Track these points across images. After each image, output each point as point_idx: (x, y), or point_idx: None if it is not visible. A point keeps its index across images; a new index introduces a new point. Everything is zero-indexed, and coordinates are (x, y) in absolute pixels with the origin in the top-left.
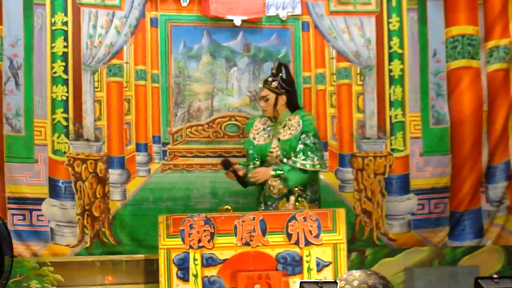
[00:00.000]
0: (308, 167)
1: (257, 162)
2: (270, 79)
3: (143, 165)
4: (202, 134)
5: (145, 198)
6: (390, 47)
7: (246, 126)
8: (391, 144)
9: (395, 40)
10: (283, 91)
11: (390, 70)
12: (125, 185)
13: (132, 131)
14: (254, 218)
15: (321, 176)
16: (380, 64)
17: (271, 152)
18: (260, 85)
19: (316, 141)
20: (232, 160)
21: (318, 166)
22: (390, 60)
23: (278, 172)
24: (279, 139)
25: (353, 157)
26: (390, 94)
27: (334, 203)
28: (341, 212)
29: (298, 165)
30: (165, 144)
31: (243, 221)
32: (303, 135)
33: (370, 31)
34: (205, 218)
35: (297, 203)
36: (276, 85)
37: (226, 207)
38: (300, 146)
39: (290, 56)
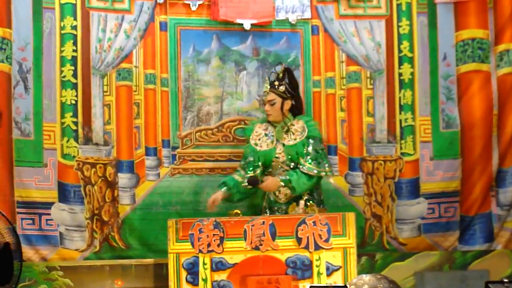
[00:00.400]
0: (315, 172)
1: (258, 170)
2: (276, 83)
3: (153, 169)
4: (211, 138)
5: (155, 202)
6: (400, 51)
7: (245, 131)
8: (401, 148)
9: (405, 43)
10: (289, 95)
11: (400, 74)
12: (134, 189)
13: (141, 135)
14: (263, 222)
15: (331, 180)
16: (390, 67)
17: (277, 157)
18: (266, 89)
19: (323, 147)
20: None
21: (330, 173)
22: (400, 63)
23: (286, 181)
24: (283, 144)
25: (363, 161)
26: (400, 98)
27: (344, 207)
28: (351, 216)
29: (305, 169)
30: (174, 148)
31: (253, 225)
32: (310, 140)
33: (380, 35)
34: (214, 222)
35: (306, 207)
36: (283, 89)
37: (235, 211)
38: (309, 150)
39: (299, 60)
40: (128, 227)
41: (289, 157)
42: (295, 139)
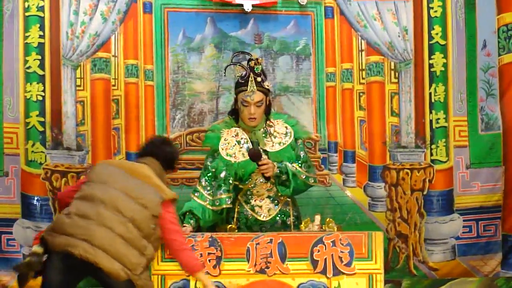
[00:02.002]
0: (311, 181)
1: (231, 186)
2: (259, 78)
3: None
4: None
5: None
6: (430, 38)
7: (208, 141)
8: (431, 154)
9: (437, 29)
10: (269, 93)
11: (431, 65)
12: None
13: (121, 138)
14: (271, 240)
15: (348, 192)
16: (418, 58)
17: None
18: (252, 88)
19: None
20: None
21: (316, 181)
22: (431, 53)
23: (283, 169)
24: (266, 152)
25: (386, 170)
26: (430, 94)
27: (363, 225)
28: (378, 236)
29: (303, 176)
30: None
31: (258, 244)
32: (299, 142)
33: (406, 18)
34: (210, 239)
35: (323, 223)
36: (268, 85)
37: (229, 226)
38: (299, 154)
39: (310, 48)
40: None
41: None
42: (280, 143)
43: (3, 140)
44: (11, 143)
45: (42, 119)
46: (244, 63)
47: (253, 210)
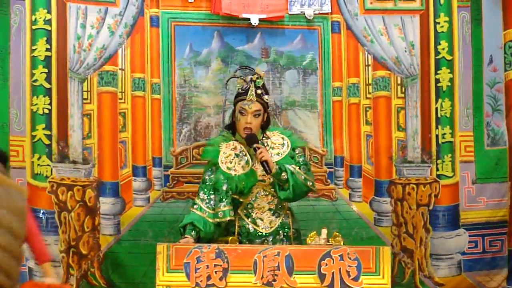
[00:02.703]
0: (309, 184)
1: (228, 200)
2: (259, 91)
3: (141, 192)
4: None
5: (143, 232)
6: (437, 53)
7: (207, 154)
8: (437, 169)
9: (443, 44)
10: (268, 107)
11: (437, 80)
12: (119, 217)
13: (128, 151)
14: (278, 253)
15: (353, 207)
16: (425, 72)
17: (261, 180)
18: (251, 97)
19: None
20: None
21: (313, 185)
22: (437, 68)
23: (283, 168)
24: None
25: (392, 185)
26: (436, 109)
27: (369, 240)
28: (386, 251)
29: (302, 177)
30: (167, 167)
31: (265, 256)
32: (297, 151)
33: (413, 33)
34: (216, 250)
35: (330, 237)
36: (267, 98)
37: (231, 238)
38: (299, 161)
39: (317, 62)
40: (111, 262)
41: None
42: (278, 154)
43: (9, 153)
44: (17, 156)
45: (48, 132)
46: (248, 78)
47: (254, 223)
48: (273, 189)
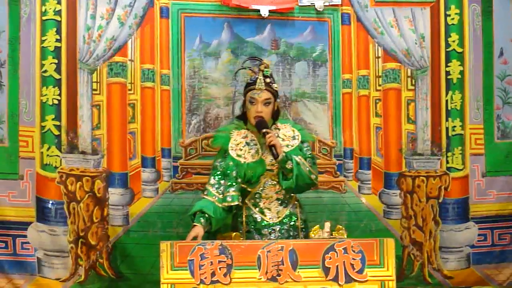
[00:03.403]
0: (313, 177)
1: (238, 186)
2: (268, 79)
3: (150, 183)
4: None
5: (152, 223)
6: (447, 45)
7: (217, 141)
8: (447, 162)
9: (454, 36)
10: (277, 96)
11: (448, 73)
12: (127, 208)
13: (137, 142)
14: (282, 247)
15: (363, 199)
16: (435, 65)
17: (269, 170)
18: (260, 86)
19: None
20: None
21: (316, 179)
22: (448, 60)
23: (289, 157)
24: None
25: (401, 177)
26: (447, 101)
27: (378, 232)
28: (390, 243)
29: (307, 168)
30: (176, 158)
31: (269, 251)
32: (305, 144)
33: (423, 26)
34: (220, 247)
35: (333, 230)
36: (276, 87)
37: (234, 233)
38: (307, 154)
39: (327, 54)
40: (119, 253)
41: None
42: (288, 145)
43: (19, 144)
44: (26, 147)
45: (57, 123)
46: (256, 68)
47: (262, 212)
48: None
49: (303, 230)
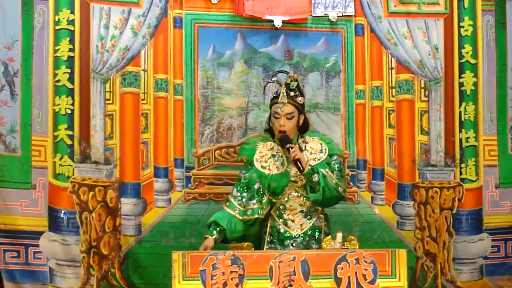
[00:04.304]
0: (340, 190)
1: (264, 199)
2: (292, 93)
3: (163, 193)
4: (233, 158)
5: (164, 234)
6: (461, 56)
7: (244, 152)
8: (461, 173)
9: (467, 47)
10: (303, 109)
11: (461, 84)
12: (140, 218)
13: (149, 152)
14: (294, 258)
15: (376, 210)
16: (448, 76)
17: (294, 181)
18: (283, 100)
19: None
20: None
21: (344, 192)
22: (461, 71)
23: (316, 170)
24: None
25: (415, 188)
26: (460, 112)
27: (391, 243)
28: (402, 254)
29: (334, 181)
30: (189, 168)
31: (281, 261)
32: (334, 158)
33: (437, 37)
34: (232, 257)
35: (345, 241)
36: (302, 101)
37: (246, 244)
38: (335, 168)
39: (340, 65)
40: (132, 263)
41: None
42: (315, 159)
43: (32, 153)
44: (39, 156)
45: (70, 133)
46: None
47: (285, 224)
48: (305, 191)
49: None
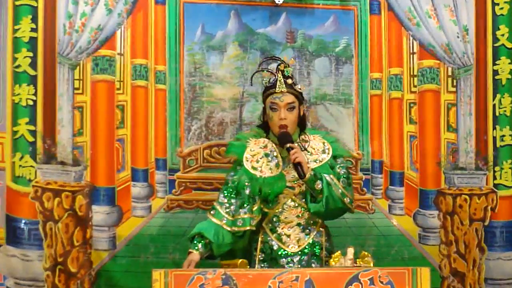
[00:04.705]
0: (347, 201)
1: (255, 206)
2: (290, 80)
3: (142, 200)
4: (225, 158)
5: (143, 248)
6: (495, 39)
7: (232, 149)
8: (494, 178)
9: (503, 29)
10: (303, 98)
11: (495, 72)
12: (114, 229)
13: (126, 151)
14: (297, 278)
15: (394, 221)
16: (480, 63)
17: (291, 187)
18: (281, 88)
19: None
20: None
21: (351, 203)
22: (496, 57)
23: (320, 176)
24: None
25: (440, 195)
26: (494, 106)
27: (412, 261)
28: (424, 273)
29: (339, 191)
30: (173, 171)
31: (281, 282)
32: (339, 160)
33: (467, 16)
34: (223, 276)
35: (356, 258)
36: (301, 88)
37: (240, 261)
38: (341, 173)
39: (352, 49)
40: (104, 282)
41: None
42: (316, 160)
43: None
44: None
45: (32, 128)
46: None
47: (279, 239)
48: (303, 200)
49: (328, 263)
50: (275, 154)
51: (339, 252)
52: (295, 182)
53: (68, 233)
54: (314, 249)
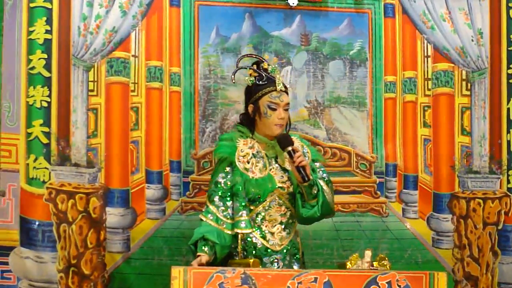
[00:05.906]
0: (333, 207)
1: (251, 206)
2: (282, 79)
3: (156, 202)
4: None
5: (158, 250)
6: (510, 43)
7: (221, 149)
8: (508, 182)
9: None
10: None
11: (510, 76)
12: (128, 231)
13: (141, 153)
14: (316, 279)
15: (408, 225)
16: (495, 66)
17: (281, 188)
18: (279, 86)
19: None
20: None
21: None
22: (510, 61)
23: (316, 181)
24: (285, 170)
25: (454, 199)
26: (509, 109)
27: (425, 264)
28: (442, 278)
29: (329, 197)
30: (187, 173)
31: (300, 283)
32: (317, 164)
33: (482, 20)
34: (243, 275)
35: (374, 260)
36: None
37: (252, 260)
38: (323, 176)
39: (366, 52)
40: (118, 285)
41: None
42: None
43: (0, 154)
44: (9, 157)
45: (46, 129)
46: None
47: (263, 237)
48: (289, 201)
49: (304, 263)
50: (261, 155)
51: (356, 254)
52: (284, 182)
53: (82, 235)
54: (294, 249)
